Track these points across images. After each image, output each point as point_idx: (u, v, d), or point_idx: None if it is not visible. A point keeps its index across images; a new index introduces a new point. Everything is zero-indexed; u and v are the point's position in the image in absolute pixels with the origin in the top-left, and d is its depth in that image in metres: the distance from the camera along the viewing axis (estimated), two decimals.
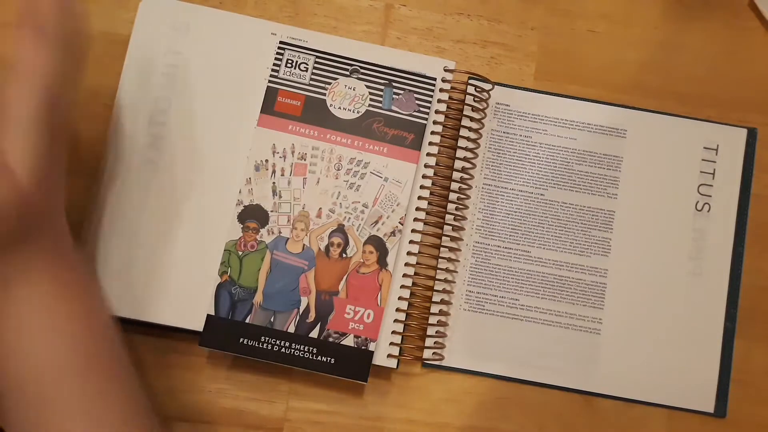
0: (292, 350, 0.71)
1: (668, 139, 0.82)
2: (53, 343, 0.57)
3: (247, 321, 0.71)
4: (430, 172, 0.76)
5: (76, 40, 0.60)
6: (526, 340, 0.78)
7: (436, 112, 0.77)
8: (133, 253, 0.73)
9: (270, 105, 0.75)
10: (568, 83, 0.82)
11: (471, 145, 0.78)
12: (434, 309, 0.76)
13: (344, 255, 0.73)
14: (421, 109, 0.76)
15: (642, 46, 0.84)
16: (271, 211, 0.73)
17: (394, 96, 0.76)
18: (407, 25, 0.83)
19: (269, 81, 0.76)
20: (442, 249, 0.76)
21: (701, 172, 0.81)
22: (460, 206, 0.77)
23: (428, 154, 0.76)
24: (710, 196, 0.81)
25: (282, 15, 0.81)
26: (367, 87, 0.76)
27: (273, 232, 0.73)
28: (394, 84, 0.76)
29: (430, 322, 0.75)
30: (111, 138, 0.75)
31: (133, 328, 0.74)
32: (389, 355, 0.73)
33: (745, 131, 0.82)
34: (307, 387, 0.75)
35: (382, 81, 0.76)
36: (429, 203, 0.76)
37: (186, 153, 0.76)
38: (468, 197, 0.78)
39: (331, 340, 0.72)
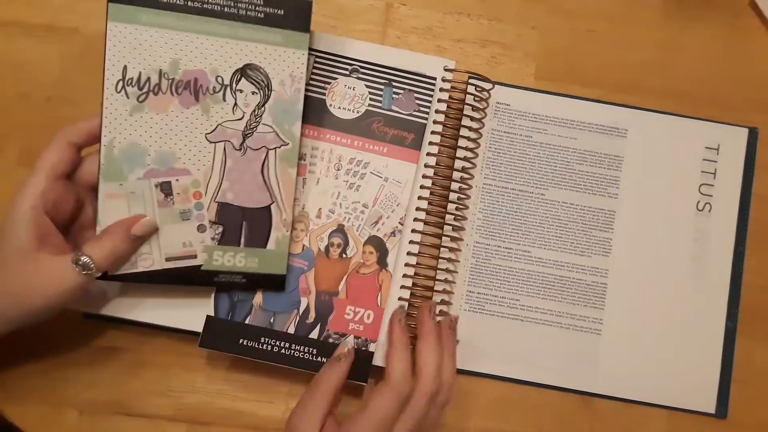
0: (292, 351, 0.71)
1: (669, 138, 0.81)
2: None
3: (246, 322, 0.71)
4: (430, 172, 0.76)
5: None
6: (526, 341, 0.78)
7: (436, 111, 0.76)
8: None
9: None
10: (569, 83, 0.82)
11: (471, 145, 0.78)
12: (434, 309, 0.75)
13: (344, 255, 0.73)
14: (421, 108, 0.75)
15: (642, 46, 0.83)
16: None
17: (393, 95, 0.75)
18: (407, 25, 0.83)
19: None
20: (442, 249, 0.76)
21: (702, 171, 0.81)
22: (461, 206, 0.77)
23: (428, 154, 0.76)
24: (711, 195, 0.80)
25: None
26: (367, 86, 0.75)
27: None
28: (394, 83, 0.76)
29: None
30: None
31: (133, 329, 0.74)
32: None
33: (746, 131, 0.82)
34: (307, 387, 0.74)
35: (382, 80, 0.76)
36: (429, 203, 0.76)
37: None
38: (468, 197, 0.78)
39: (331, 340, 0.71)
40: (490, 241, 0.79)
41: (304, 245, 0.73)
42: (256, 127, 0.68)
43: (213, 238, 0.68)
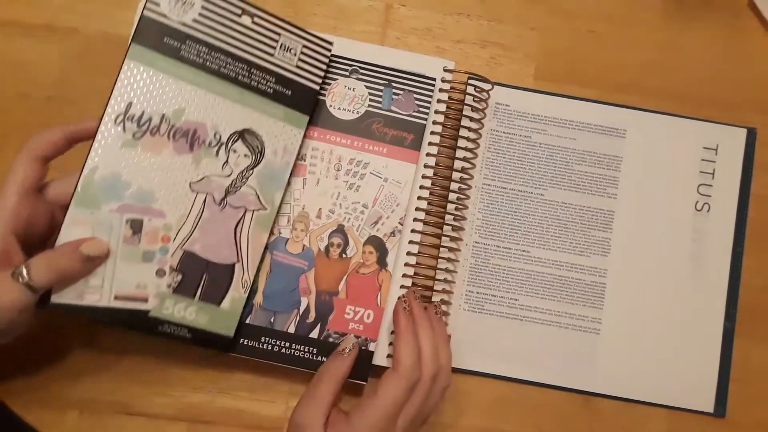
0: (293, 351, 0.71)
1: (668, 139, 0.82)
2: None
3: (247, 321, 0.71)
4: (429, 172, 0.76)
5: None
6: (525, 340, 0.78)
7: (436, 112, 0.77)
8: None
9: None
10: (568, 83, 0.82)
11: (471, 145, 0.78)
12: None
13: (344, 255, 0.73)
14: (421, 109, 0.76)
15: (642, 47, 0.84)
16: None
17: (393, 96, 0.76)
18: (407, 26, 0.83)
19: None
20: (441, 249, 0.76)
21: (701, 172, 0.81)
22: (460, 206, 0.77)
23: (428, 155, 0.76)
24: (710, 196, 0.81)
25: (282, 15, 0.81)
26: (367, 87, 0.76)
27: (273, 233, 0.73)
28: (394, 84, 0.76)
29: None
30: None
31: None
32: (389, 355, 0.73)
33: (744, 131, 0.82)
34: (307, 387, 0.75)
35: (382, 81, 0.76)
36: (429, 203, 0.76)
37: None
38: (468, 197, 0.78)
39: (331, 340, 0.72)
40: (490, 241, 0.79)
41: (304, 245, 0.73)
42: (240, 187, 0.70)
43: (169, 285, 0.67)
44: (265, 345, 0.71)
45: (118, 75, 0.65)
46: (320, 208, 0.74)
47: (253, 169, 0.71)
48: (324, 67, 0.74)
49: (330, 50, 0.74)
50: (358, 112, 0.75)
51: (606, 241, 0.80)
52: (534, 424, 0.77)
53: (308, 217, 0.73)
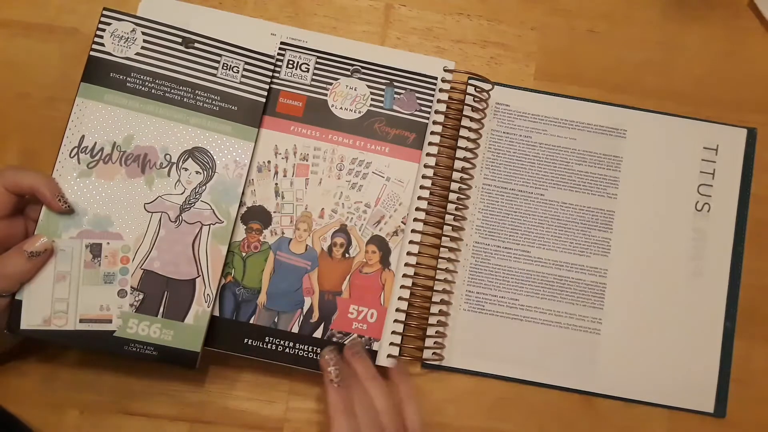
0: (296, 350, 0.71)
1: (668, 139, 0.82)
2: None
3: (251, 321, 0.71)
4: (430, 172, 0.76)
5: None
6: (525, 340, 0.78)
7: (436, 112, 0.77)
8: None
9: (272, 106, 0.75)
10: (568, 83, 0.82)
11: (471, 145, 0.78)
12: (434, 309, 0.76)
13: (347, 255, 0.73)
14: (423, 108, 0.76)
15: (642, 46, 0.84)
16: (274, 212, 0.73)
17: (395, 96, 0.76)
18: (407, 25, 0.83)
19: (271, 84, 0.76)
20: (442, 249, 0.76)
21: (701, 172, 0.81)
22: (460, 206, 0.77)
23: (428, 155, 0.76)
24: (710, 196, 0.81)
25: (282, 15, 0.81)
26: (369, 87, 0.76)
27: (276, 233, 0.73)
28: (395, 83, 0.76)
29: (430, 322, 0.75)
30: None
31: None
32: (389, 356, 0.73)
33: (744, 131, 0.82)
34: (307, 387, 0.75)
35: (384, 81, 0.76)
36: (429, 203, 0.76)
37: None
38: (468, 197, 0.78)
39: (335, 340, 0.72)
40: (490, 241, 0.79)
41: (307, 245, 0.73)
42: (194, 203, 0.72)
43: (132, 305, 0.69)
44: (268, 345, 0.71)
45: (70, 112, 0.70)
46: (323, 208, 0.74)
47: (205, 184, 0.72)
48: (267, 80, 0.75)
49: (272, 64, 0.75)
50: (359, 112, 0.75)
51: (606, 241, 0.80)
52: (535, 425, 0.77)
53: (311, 217, 0.73)
